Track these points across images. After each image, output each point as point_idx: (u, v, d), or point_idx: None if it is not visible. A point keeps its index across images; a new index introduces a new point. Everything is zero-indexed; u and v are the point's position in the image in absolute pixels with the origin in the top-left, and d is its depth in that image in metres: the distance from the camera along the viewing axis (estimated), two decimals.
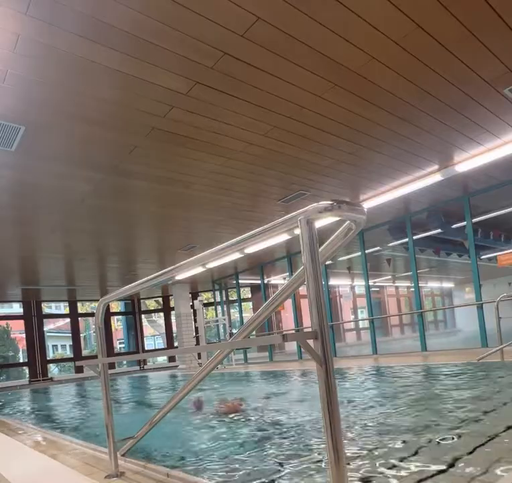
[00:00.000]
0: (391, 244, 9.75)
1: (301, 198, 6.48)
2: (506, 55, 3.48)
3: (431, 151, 5.28)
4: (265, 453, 2.40)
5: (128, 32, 2.77)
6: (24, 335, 13.51)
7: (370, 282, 9.43)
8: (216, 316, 13.57)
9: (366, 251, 9.23)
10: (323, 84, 3.59)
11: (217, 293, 14.00)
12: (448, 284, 15.74)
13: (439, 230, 8.39)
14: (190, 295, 13.95)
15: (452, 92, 3.94)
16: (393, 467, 1.88)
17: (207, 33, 2.86)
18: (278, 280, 12.62)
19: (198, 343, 12.84)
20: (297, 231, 1.13)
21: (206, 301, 14.33)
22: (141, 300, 16.00)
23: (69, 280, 11.25)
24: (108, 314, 14.65)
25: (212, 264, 8.14)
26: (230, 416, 3.73)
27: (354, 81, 3.59)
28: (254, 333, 1.81)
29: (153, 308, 17.04)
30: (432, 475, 1.70)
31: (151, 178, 5.21)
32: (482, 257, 8.71)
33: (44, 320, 13.92)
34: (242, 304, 13.66)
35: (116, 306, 17.04)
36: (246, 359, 12.91)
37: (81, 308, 15.16)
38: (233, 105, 3.79)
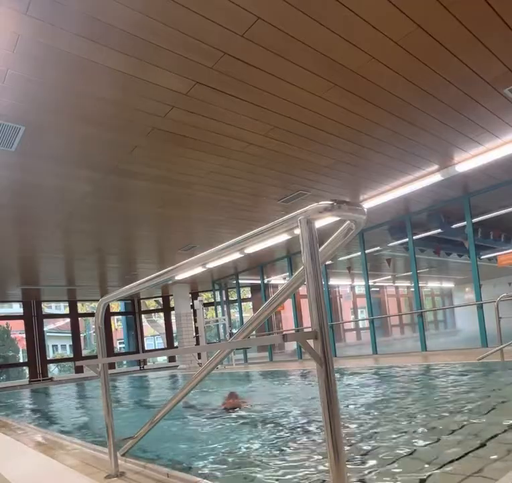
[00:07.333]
0: (391, 244, 9.74)
1: (301, 198, 6.48)
2: (506, 55, 3.48)
3: (431, 151, 5.28)
4: (265, 451, 2.40)
5: (128, 32, 2.77)
6: (24, 335, 13.50)
7: (370, 282, 9.43)
8: (216, 316, 13.57)
9: (366, 251, 9.23)
10: (323, 84, 3.59)
11: (217, 293, 13.99)
12: (448, 284, 15.73)
13: (439, 230, 8.39)
14: (190, 295, 13.95)
15: (452, 92, 3.94)
16: (392, 467, 1.88)
17: (207, 33, 2.86)
18: (278, 280, 12.61)
19: (198, 343, 12.84)
20: (297, 231, 1.13)
21: (206, 301, 14.32)
22: (141, 300, 15.99)
23: (69, 280, 11.25)
24: (108, 314, 14.65)
25: (212, 264, 8.14)
26: (232, 411, 3.77)
27: (354, 81, 3.59)
28: (254, 333, 1.81)
29: (153, 308, 17.04)
30: (432, 475, 1.70)
31: (151, 178, 5.21)
32: (482, 257, 8.71)
33: (44, 320, 13.91)
34: (242, 304, 13.65)
35: (116, 306, 17.04)
36: (246, 359, 12.91)
37: (81, 308, 15.15)
38: (233, 105, 3.79)
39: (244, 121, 4.10)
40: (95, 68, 3.09)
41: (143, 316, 16.25)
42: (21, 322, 13.48)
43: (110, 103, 3.57)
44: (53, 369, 15.16)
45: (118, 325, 19.51)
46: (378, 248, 10.22)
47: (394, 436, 2.40)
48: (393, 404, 3.43)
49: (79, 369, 13.46)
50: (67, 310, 14.59)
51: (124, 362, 16.72)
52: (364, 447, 2.24)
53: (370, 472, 1.85)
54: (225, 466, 2.23)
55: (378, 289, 14.26)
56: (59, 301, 15.78)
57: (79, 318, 14.97)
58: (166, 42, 2.91)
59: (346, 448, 2.20)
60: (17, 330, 16.74)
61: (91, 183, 5.18)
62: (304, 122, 4.21)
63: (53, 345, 21.41)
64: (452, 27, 3.06)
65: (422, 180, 6.15)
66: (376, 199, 6.78)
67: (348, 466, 1.93)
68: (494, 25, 3.10)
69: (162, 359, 16.26)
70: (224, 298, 13.98)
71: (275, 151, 4.81)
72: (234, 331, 12.20)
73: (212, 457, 2.44)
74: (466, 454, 1.91)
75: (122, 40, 2.84)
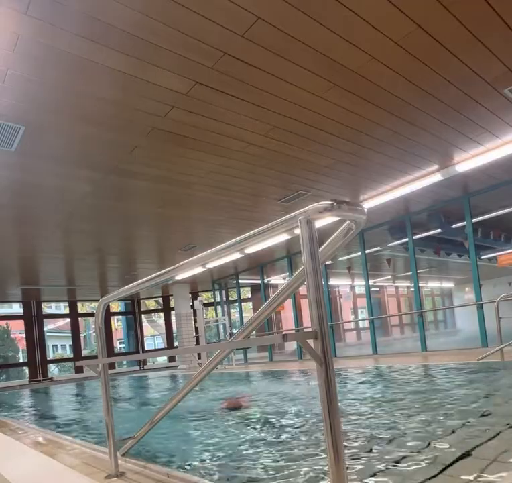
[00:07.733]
0: (391, 244, 9.75)
1: (301, 198, 6.48)
2: (506, 55, 3.48)
3: (431, 151, 5.28)
4: (266, 450, 2.40)
5: (128, 32, 2.78)
6: (24, 335, 13.50)
7: (370, 282, 9.43)
8: (216, 316, 13.57)
9: (366, 251, 9.23)
10: (323, 84, 3.59)
11: (217, 293, 13.99)
12: (448, 284, 15.73)
13: (439, 230, 8.39)
14: (190, 295, 13.95)
15: (452, 92, 3.94)
16: (393, 468, 1.88)
17: (207, 33, 2.86)
18: (278, 280, 12.61)
19: (198, 343, 12.84)
20: (297, 231, 1.13)
21: (206, 301, 14.32)
22: (141, 300, 15.99)
23: (69, 280, 11.25)
24: (108, 314, 14.65)
25: (212, 264, 8.15)
26: (232, 411, 3.78)
27: (354, 81, 3.59)
28: (254, 333, 1.81)
29: (153, 308, 17.04)
30: (433, 476, 1.70)
31: (151, 178, 5.21)
32: (482, 257, 8.71)
33: (44, 320, 13.91)
34: (242, 304, 13.65)
35: (116, 306, 17.04)
36: (246, 359, 12.91)
37: (81, 308, 15.15)
38: (233, 105, 3.79)
39: (244, 121, 4.10)
40: (95, 68, 3.09)
41: (143, 316, 16.24)
42: (21, 322, 13.48)
43: (110, 103, 3.57)
44: (53, 369, 15.17)
45: (118, 325, 19.52)
46: (378, 248, 10.22)
47: (393, 436, 2.40)
48: (392, 404, 3.43)
49: (79, 369, 13.47)
50: (67, 310, 14.59)
51: (124, 362, 16.72)
52: (364, 447, 2.24)
53: (370, 472, 1.84)
54: (225, 466, 2.23)
55: (378, 289, 14.26)
56: (59, 301, 15.78)
57: (79, 318, 14.97)
58: (166, 42, 2.91)
59: (346, 448, 2.20)
60: (17, 330, 16.76)
61: (91, 183, 5.18)
62: (304, 122, 4.22)
63: (53, 345, 21.43)
64: (452, 27, 3.06)
65: (422, 180, 6.15)
66: (376, 199, 6.78)
67: (348, 465, 1.93)
68: (494, 25, 3.10)
69: (162, 359, 16.26)
70: (224, 298, 13.98)
71: (275, 151, 4.82)
72: (234, 331, 12.20)
73: (212, 457, 2.44)
74: (467, 454, 1.91)
75: (122, 40, 2.84)
